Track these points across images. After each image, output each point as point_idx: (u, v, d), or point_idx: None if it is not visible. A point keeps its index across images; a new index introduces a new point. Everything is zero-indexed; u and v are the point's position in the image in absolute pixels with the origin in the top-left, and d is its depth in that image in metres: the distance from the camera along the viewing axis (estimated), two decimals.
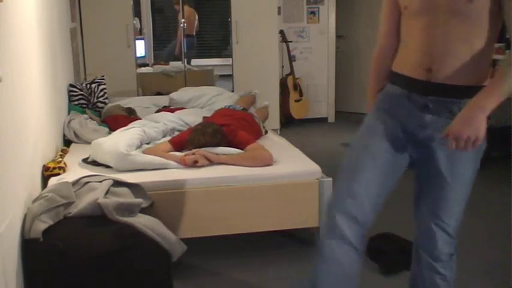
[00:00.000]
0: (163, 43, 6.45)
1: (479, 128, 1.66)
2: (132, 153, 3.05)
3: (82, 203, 2.48)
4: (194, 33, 6.33)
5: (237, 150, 3.16)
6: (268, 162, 3.08)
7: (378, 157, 1.87)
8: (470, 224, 3.52)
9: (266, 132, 3.97)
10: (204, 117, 3.87)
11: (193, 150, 3.08)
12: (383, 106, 1.94)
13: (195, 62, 6.39)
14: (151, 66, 6.29)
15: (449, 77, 1.75)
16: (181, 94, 4.77)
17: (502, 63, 1.68)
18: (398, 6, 1.88)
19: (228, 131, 3.29)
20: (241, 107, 3.98)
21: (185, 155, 3.05)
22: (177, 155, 3.10)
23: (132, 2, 5.52)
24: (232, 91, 5.50)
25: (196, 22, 6.35)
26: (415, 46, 1.81)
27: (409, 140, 1.89)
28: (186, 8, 6.03)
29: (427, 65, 1.77)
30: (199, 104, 4.51)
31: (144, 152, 3.16)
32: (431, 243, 1.94)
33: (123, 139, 3.16)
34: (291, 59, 6.50)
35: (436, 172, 1.87)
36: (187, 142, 3.20)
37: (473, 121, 1.65)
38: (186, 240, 2.62)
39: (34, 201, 2.47)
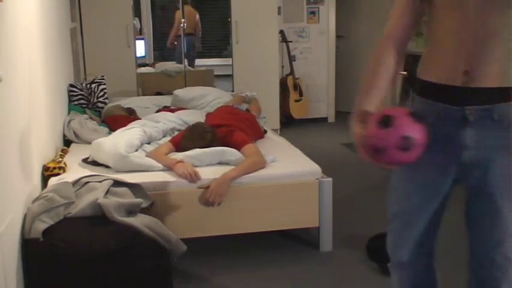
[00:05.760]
0: (163, 43, 6.44)
1: None
2: (131, 155, 3.05)
3: (82, 203, 2.48)
4: (194, 32, 6.31)
5: (233, 150, 3.13)
6: (264, 166, 3.09)
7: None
8: None
9: (265, 131, 3.94)
10: (207, 114, 3.88)
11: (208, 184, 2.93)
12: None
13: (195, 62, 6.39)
14: (151, 66, 6.29)
15: (487, 79, 1.51)
16: (186, 91, 4.77)
17: None
18: None
19: (226, 132, 3.29)
20: (245, 108, 3.98)
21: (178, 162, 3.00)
22: (173, 161, 3.02)
23: (132, 2, 5.52)
24: (232, 91, 5.50)
25: (196, 22, 6.34)
26: (450, 44, 1.54)
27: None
28: (186, 7, 6.03)
29: (464, 67, 1.51)
30: (202, 103, 4.50)
31: (146, 155, 3.15)
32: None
33: (123, 140, 3.16)
34: (291, 59, 6.50)
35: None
36: (181, 149, 3.18)
37: None
38: (186, 240, 2.62)
39: (34, 201, 2.47)
